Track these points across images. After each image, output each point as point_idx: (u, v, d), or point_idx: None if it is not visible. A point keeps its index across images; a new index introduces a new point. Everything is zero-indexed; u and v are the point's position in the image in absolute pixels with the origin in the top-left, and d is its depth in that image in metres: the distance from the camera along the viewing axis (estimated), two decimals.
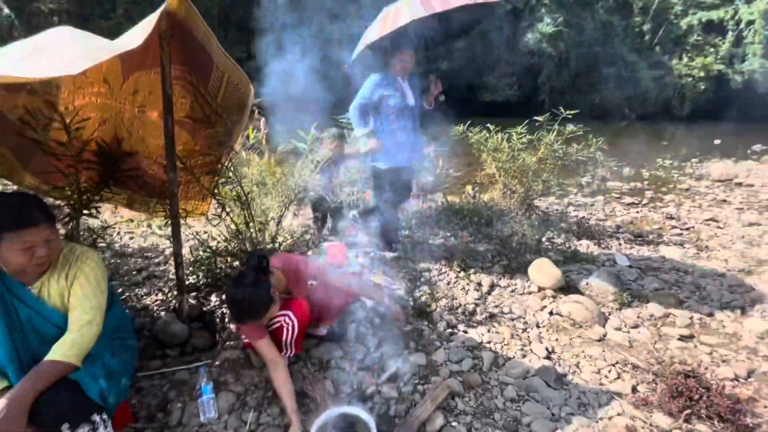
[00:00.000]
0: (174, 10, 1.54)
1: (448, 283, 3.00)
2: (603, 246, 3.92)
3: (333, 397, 1.85)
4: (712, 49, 28.89)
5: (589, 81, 27.59)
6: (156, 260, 3.24)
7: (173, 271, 2.32)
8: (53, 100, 1.80)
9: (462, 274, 3.09)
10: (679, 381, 1.85)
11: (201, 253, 2.52)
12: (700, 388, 1.81)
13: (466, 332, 2.44)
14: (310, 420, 1.66)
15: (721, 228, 4.70)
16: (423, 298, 2.76)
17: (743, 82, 28.71)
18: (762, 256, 3.83)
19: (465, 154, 5.84)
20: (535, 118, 4.15)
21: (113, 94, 1.91)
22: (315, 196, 3.33)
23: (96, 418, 1.30)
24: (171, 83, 1.72)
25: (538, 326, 2.54)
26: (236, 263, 2.54)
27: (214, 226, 2.60)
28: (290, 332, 1.85)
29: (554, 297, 2.86)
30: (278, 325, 1.88)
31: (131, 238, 3.79)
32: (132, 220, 4.21)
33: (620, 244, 4.01)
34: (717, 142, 15.09)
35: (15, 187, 2.15)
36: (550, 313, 2.67)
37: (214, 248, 2.57)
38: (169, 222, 2.04)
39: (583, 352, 2.30)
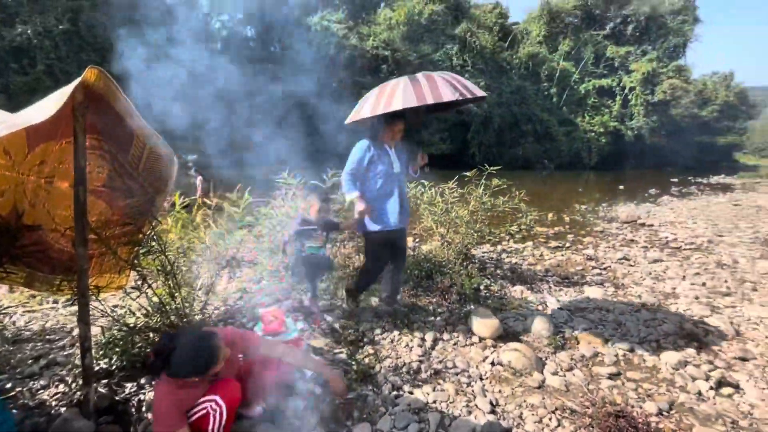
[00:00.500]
0: (91, 82, 1.50)
1: (392, 341, 2.95)
2: (535, 290, 4.15)
3: None
4: (606, 110, 34.04)
5: (512, 136, 30.81)
6: (60, 343, 2.82)
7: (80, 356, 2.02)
8: None
9: (405, 330, 3.07)
10: (611, 423, 1.93)
11: (115, 332, 2.25)
12: (630, 428, 1.90)
13: (411, 393, 2.37)
14: None
15: (632, 266, 5.25)
16: (366, 360, 2.67)
17: (634, 137, 33.89)
18: (667, 290, 4.30)
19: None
20: (464, 174, 4.49)
21: (15, 165, 1.75)
22: (312, 252, 3.09)
23: None
24: (85, 154, 1.62)
25: (481, 378, 2.55)
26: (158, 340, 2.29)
27: (134, 299, 2.36)
28: (218, 420, 1.67)
29: (494, 346, 2.92)
30: (203, 412, 1.68)
31: (29, 321, 3.28)
32: (34, 296, 3.69)
33: (550, 287, 4.28)
34: (621, 187, 17.29)
35: None
36: (492, 364, 2.71)
37: (132, 325, 2.31)
38: (76, 301, 1.82)
39: (525, 401, 2.33)
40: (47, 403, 2.16)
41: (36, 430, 1.92)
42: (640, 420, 1.96)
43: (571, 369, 2.69)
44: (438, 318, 3.31)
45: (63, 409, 2.04)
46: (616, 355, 2.86)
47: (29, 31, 16.73)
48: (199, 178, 7.77)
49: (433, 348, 2.90)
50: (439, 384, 2.47)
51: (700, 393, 2.44)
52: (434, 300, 3.63)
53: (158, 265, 2.27)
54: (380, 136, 3.00)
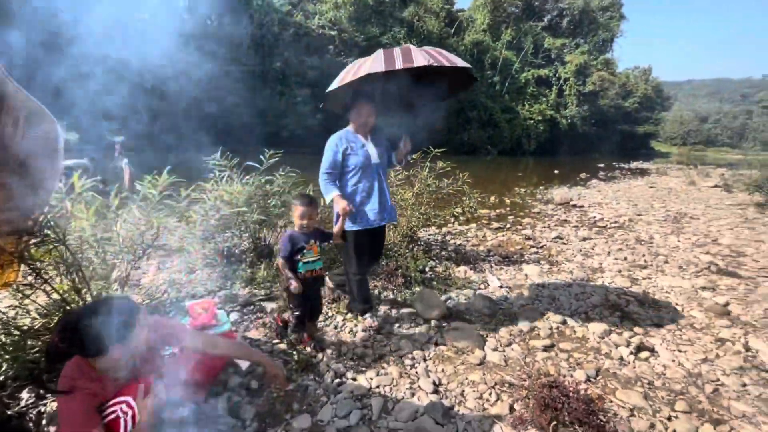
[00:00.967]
0: None
1: (336, 328, 2.86)
2: (478, 270, 4.27)
3: None
4: (544, 99, 36.05)
5: (458, 122, 31.60)
6: None
7: None
8: None
9: (349, 315, 2.99)
10: (545, 393, 2.01)
11: (3, 337, 1.91)
12: (562, 397, 1.98)
13: (354, 379, 2.31)
14: None
15: (565, 244, 5.60)
16: (308, 349, 2.55)
17: (568, 125, 36.33)
18: (595, 265, 4.63)
19: None
20: (410, 156, 4.44)
21: None
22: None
23: None
24: None
25: (425, 359, 2.55)
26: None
27: (28, 297, 2.03)
28: (129, 424, 1.47)
29: (438, 326, 2.94)
30: (113, 416, 1.47)
31: None
32: None
33: (491, 267, 4.43)
34: (556, 172, 18.47)
35: None
36: (436, 344, 2.72)
37: (27, 327, 1.99)
38: None
39: (466, 378, 2.36)
40: None
41: None
42: (571, 388, 2.06)
43: (509, 344, 2.78)
44: (384, 302, 3.27)
45: None
46: (551, 328, 3.01)
47: None
48: (125, 161, 7.04)
49: (378, 332, 2.85)
50: (383, 368, 2.43)
51: (622, 358, 2.63)
52: (379, 284, 3.58)
53: (57, 256, 1.95)
54: (351, 124, 2.72)
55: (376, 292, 3.44)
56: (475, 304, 3.20)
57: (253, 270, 3.44)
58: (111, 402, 1.47)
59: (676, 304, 3.52)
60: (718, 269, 4.48)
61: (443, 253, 4.73)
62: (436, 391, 2.23)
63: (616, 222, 7.15)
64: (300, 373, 2.33)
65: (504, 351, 2.68)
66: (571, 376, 2.40)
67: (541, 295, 3.63)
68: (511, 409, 2.10)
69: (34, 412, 1.88)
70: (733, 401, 2.22)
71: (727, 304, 3.51)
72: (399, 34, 29.87)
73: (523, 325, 3.01)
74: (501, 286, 3.81)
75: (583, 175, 16.44)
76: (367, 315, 2.92)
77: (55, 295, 2.00)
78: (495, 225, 6.75)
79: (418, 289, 3.49)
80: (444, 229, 6.08)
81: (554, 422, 1.89)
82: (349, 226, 2.69)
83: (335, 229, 2.61)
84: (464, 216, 6.24)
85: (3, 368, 1.95)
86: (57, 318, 2.00)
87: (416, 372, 2.41)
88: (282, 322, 2.65)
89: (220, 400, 2.03)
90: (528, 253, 5.10)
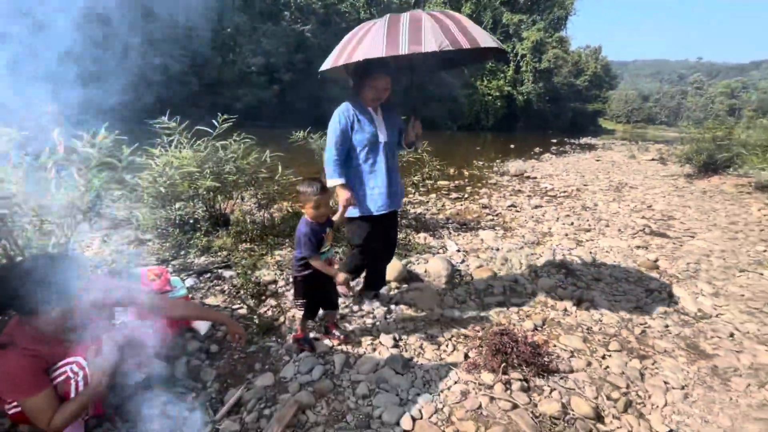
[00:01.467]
0: None
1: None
2: (437, 236, 4.40)
3: None
4: (502, 75, 36.64)
5: (419, 97, 31.44)
6: None
7: None
8: None
9: None
10: (497, 340, 2.16)
11: None
12: (511, 342, 2.14)
13: (317, 339, 2.34)
14: None
15: (519, 212, 5.88)
16: (270, 313, 2.55)
17: (524, 101, 37.36)
18: (545, 230, 4.92)
19: (309, 162, 5.83)
20: None
21: None
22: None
23: None
24: None
25: (386, 318, 2.64)
26: None
27: None
28: (80, 386, 1.42)
29: (398, 288, 3.03)
30: (63, 377, 1.41)
31: None
32: None
33: (450, 233, 4.58)
34: (512, 146, 19.10)
35: None
36: (396, 303, 2.81)
37: None
38: None
39: (425, 333, 2.47)
40: None
41: None
42: (520, 335, 2.23)
43: (465, 301, 2.93)
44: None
45: None
46: (503, 286, 3.20)
47: None
48: (58, 129, 6.39)
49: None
50: (345, 327, 2.48)
51: (566, 309, 2.87)
52: (340, 250, 3.60)
53: None
54: (360, 95, 2.33)
55: (338, 258, 3.46)
56: (433, 266, 3.32)
57: (209, 238, 3.32)
58: (60, 363, 1.41)
59: (615, 261, 3.85)
60: (651, 231, 4.92)
61: (403, 221, 4.81)
62: (396, 346, 2.32)
63: (565, 192, 7.58)
64: (262, 335, 2.33)
65: (460, 308, 2.83)
66: (521, 325, 2.58)
67: (494, 257, 3.82)
68: (466, 356, 2.24)
69: None
70: (657, 340, 2.50)
71: (656, 260, 3.89)
72: (358, 2, 28.81)
73: (479, 285, 3.17)
74: (458, 250, 3.96)
75: (537, 150, 17.13)
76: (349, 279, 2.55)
77: None
78: (454, 195, 6.93)
79: None
80: (405, 199, 6.16)
81: (504, 364, 2.04)
82: (351, 212, 2.41)
83: (335, 217, 2.27)
84: (424, 185, 6.33)
85: None
86: None
87: (377, 329, 2.49)
88: (299, 339, 2.26)
89: (179, 365, 2.00)
90: (484, 220, 5.31)
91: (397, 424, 1.72)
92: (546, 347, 2.31)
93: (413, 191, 6.54)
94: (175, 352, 2.08)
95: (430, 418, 1.77)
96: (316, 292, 2.16)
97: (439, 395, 1.92)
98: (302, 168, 6.93)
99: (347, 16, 28.51)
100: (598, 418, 1.82)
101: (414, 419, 1.75)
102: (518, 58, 36.97)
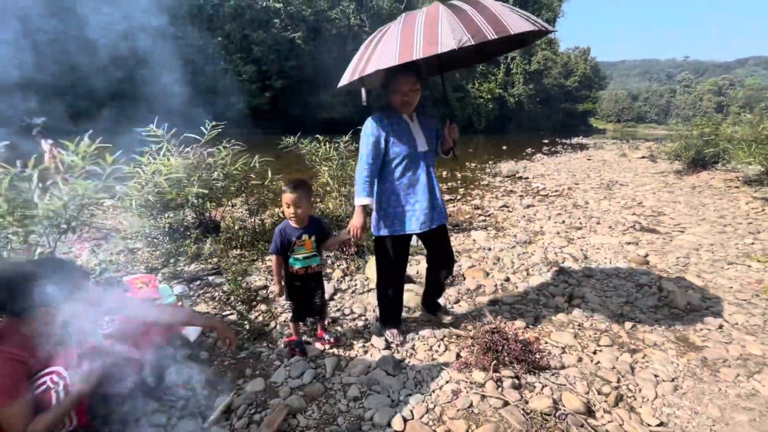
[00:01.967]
0: None
1: None
2: None
3: None
4: (492, 77, 36.98)
5: None
6: None
7: None
8: None
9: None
10: (488, 338, 2.16)
11: None
12: (502, 340, 2.14)
13: (308, 343, 2.33)
14: None
15: (511, 211, 5.91)
16: (260, 318, 2.54)
17: (515, 103, 37.70)
18: (537, 229, 4.95)
19: (302, 168, 5.84)
20: (360, 127, 4.41)
21: None
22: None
23: None
24: None
25: (377, 320, 2.63)
26: None
27: None
28: (61, 396, 1.39)
29: None
30: (43, 387, 1.38)
31: None
32: None
33: None
34: (504, 147, 19.22)
35: None
36: None
37: None
38: None
39: (417, 334, 2.47)
40: None
41: None
42: (511, 333, 2.23)
43: (458, 301, 2.93)
44: (336, 270, 3.30)
45: None
46: (495, 285, 3.21)
47: None
48: (48, 141, 6.37)
49: (331, 299, 2.88)
50: (336, 330, 2.47)
51: (557, 306, 2.88)
52: (332, 254, 3.59)
53: None
54: (390, 102, 2.12)
55: (328, 261, 3.46)
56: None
57: (199, 246, 3.31)
58: (40, 373, 1.39)
59: (605, 258, 3.87)
60: (641, 227, 4.97)
61: None
62: (387, 348, 2.31)
63: (556, 191, 7.64)
64: (252, 341, 2.32)
65: (453, 308, 2.83)
66: (513, 324, 2.59)
67: (486, 257, 3.83)
68: (458, 356, 2.23)
69: None
70: (647, 334, 2.52)
71: (647, 255, 3.93)
72: (348, 8, 29.01)
73: (470, 284, 3.18)
74: None
75: (528, 150, 17.26)
76: (388, 332, 2.40)
77: None
78: (446, 197, 6.95)
79: (370, 257, 3.54)
80: None
81: (495, 362, 2.04)
82: (381, 231, 2.20)
83: (338, 237, 2.22)
84: None
85: None
86: None
87: (369, 332, 2.48)
88: (290, 343, 2.27)
89: (168, 372, 1.97)
90: (476, 221, 5.33)
91: (389, 425, 1.72)
92: (537, 344, 2.31)
93: None
94: (164, 359, 2.06)
95: (421, 418, 1.77)
96: (301, 295, 2.17)
97: (430, 395, 1.91)
98: (295, 174, 6.94)
99: (337, 22, 28.70)
100: (589, 412, 1.82)
101: (405, 420, 1.75)
102: (508, 60, 37.34)
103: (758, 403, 1.90)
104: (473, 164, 12.29)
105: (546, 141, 24.17)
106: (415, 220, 2.15)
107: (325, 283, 3.02)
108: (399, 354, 2.26)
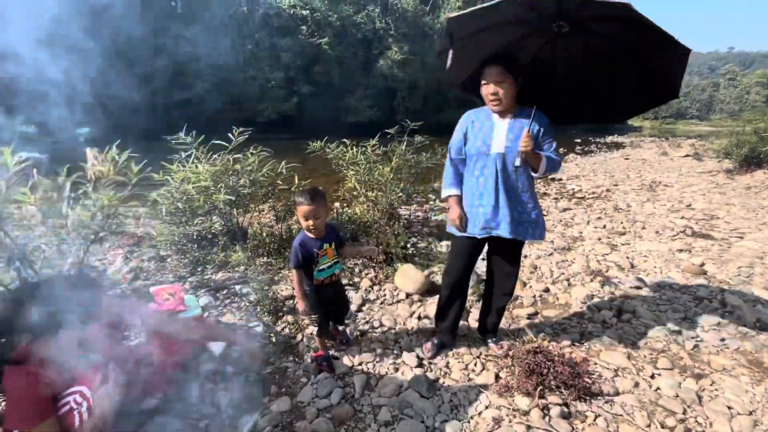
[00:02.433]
0: None
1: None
2: None
3: None
4: None
5: (436, 102, 31.35)
6: None
7: None
8: None
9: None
10: (530, 359, 1.97)
11: None
12: (547, 362, 1.94)
13: (336, 358, 2.22)
14: None
15: (546, 215, 5.61)
16: (287, 330, 2.45)
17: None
18: (575, 234, 4.65)
19: (328, 173, 5.79)
20: (387, 131, 4.29)
21: None
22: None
23: None
24: None
25: (408, 334, 2.48)
26: None
27: None
28: (85, 416, 1.34)
29: (421, 301, 2.87)
30: (66, 408, 1.34)
31: None
32: None
33: None
34: None
35: None
36: (419, 318, 2.65)
37: None
38: None
39: (451, 351, 2.30)
40: None
41: None
42: (555, 352, 2.03)
43: None
44: (365, 279, 3.18)
45: None
46: (534, 297, 2.99)
47: None
48: (91, 150, 6.66)
49: (360, 310, 2.76)
50: (365, 345, 2.35)
51: (605, 321, 2.63)
52: (360, 262, 3.48)
53: None
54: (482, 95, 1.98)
55: (356, 270, 3.34)
56: None
57: (227, 254, 3.28)
58: (63, 393, 1.34)
59: (655, 267, 3.55)
60: (693, 232, 4.57)
61: (425, 229, 4.66)
62: (420, 365, 2.17)
63: (594, 193, 7.23)
64: (278, 355, 2.23)
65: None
66: (556, 341, 2.37)
67: (523, 265, 3.60)
68: (497, 377, 2.06)
69: None
70: (713, 355, 2.24)
71: (702, 264, 3.57)
72: (373, 12, 29.13)
73: None
74: (483, 259, 3.75)
75: (561, 150, 16.60)
76: (431, 343, 2.29)
77: None
78: None
79: (399, 265, 3.40)
80: (426, 206, 6.00)
81: (540, 387, 1.85)
82: (449, 227, 2.18)
83: (362, 248, 2.40)
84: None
85: None
86: None
87: (400, 347, 2.34)
88: (317, 359, 2.16)
89: (193, 388, 1.91)
90: None
91: None
92: (586, 366, 2.09)
93: (434, 198, 6.37)
94: (188, 375, 2.00)
95: None
96: (327, 305, 2.08)
97: (468, 422, 1.75)
98: (321, 178, 6.92)
99: (363, 26, 28.87)
100: None
101: None
102: None
103: None
104: None
105: (578, 140, 23.20)
106: (474, 224, 2.04)
107: (353, 293, 2.92)
108: (432, 373, 2.10)
